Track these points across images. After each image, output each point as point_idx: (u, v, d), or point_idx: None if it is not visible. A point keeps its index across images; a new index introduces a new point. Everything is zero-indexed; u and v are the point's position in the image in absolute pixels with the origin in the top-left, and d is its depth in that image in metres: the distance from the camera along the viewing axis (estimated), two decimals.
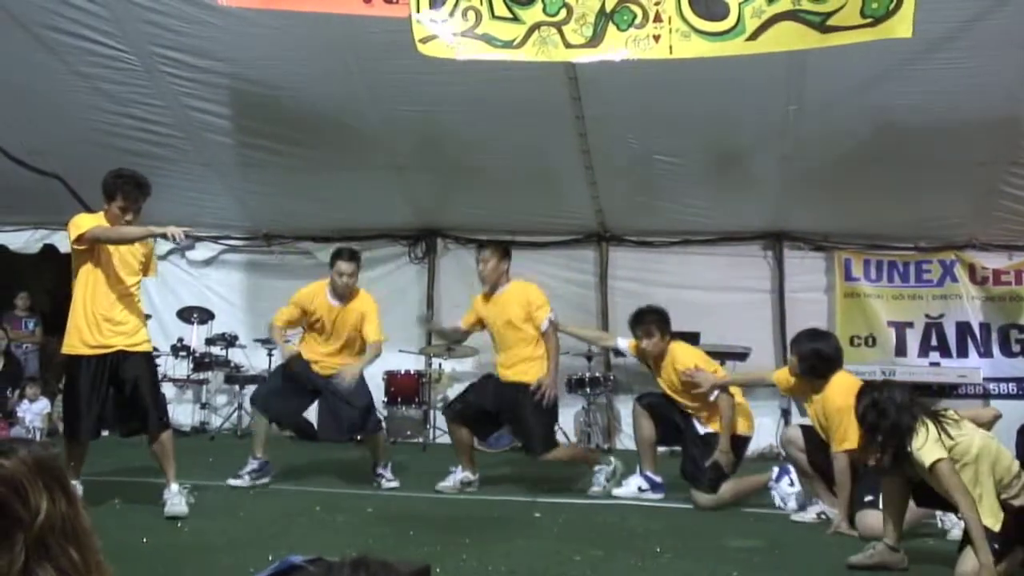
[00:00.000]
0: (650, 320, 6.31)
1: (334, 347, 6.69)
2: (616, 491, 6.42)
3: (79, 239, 5.36)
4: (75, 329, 5.38)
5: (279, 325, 6.82)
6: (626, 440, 9.34)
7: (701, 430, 6.16)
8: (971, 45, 6.47)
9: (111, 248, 5.41)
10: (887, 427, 4.16)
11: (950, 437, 4.03)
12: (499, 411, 6.59)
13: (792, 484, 5.96)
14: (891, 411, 4.17)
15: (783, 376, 5.84)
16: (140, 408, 5.42)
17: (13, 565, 1.32)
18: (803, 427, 5.86)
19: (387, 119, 8.01)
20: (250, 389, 9.85)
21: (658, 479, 6.41)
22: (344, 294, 6.63)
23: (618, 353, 7.80)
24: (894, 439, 4.13)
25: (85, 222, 5.42)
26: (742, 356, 8.70)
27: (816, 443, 5.61)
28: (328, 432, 8.98)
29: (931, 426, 4.06)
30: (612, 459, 6.74)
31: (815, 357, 5.59)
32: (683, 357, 6.21)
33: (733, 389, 6.17)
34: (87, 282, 5.40)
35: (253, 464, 6.36)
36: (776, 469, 6.11)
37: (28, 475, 1.38)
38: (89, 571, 1.38)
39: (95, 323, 5.36)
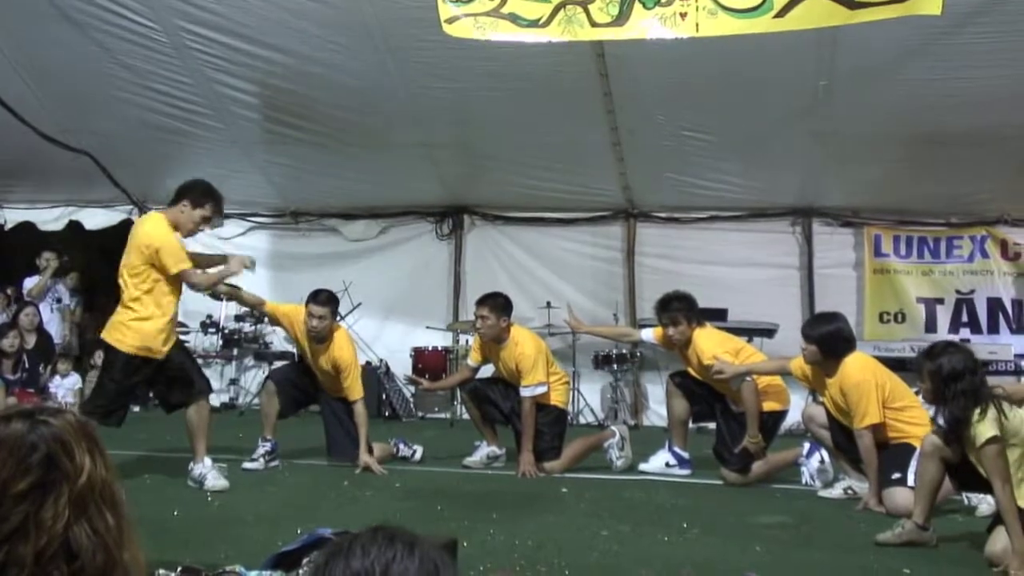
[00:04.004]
0: (676, 308, 6.23)
1: (320, 377, 6.50)
2: (643, 466, 6.42)
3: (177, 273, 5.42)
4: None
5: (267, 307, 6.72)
6: (653, 417, 9.35)
7: (734, 408, 6.14)
8: (1002, 20, 6.35)
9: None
10: (970, 384, 4.07)
11: (1005, 417, 3.97)
12: (510, 415, 6.57)
13: (822, 461, 5.93)
14: (980, 374, 4.14)
15: (798, 364, 5.77)
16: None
17: (58, 520, 1.35)
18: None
19: (415, 96, 7.99)
20: (278, 366, 9.96)
21: (686, 455, 6.40)
22: (316, 336, 6.33)
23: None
24: (969, 401, 4.05)
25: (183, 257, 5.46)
26: (770, 332, 8.66)
27: (836, 424, 5.58)
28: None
29: (992, 404, 4.01)
30: (613, 428, 6.74)
31: (835, 338, 5.52)
32: (706, 347, 6.12)
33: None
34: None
35: (266, 446, 6.25)
36: (807, 445, 6.07)
37: (74, 435, 1.42)
38: (122, 537, 1.41)
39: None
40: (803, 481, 5.98)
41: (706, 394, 6.29)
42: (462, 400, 6.82)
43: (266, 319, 8.40)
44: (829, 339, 5.51)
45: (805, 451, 6.06)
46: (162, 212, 5.67)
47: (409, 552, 1.11)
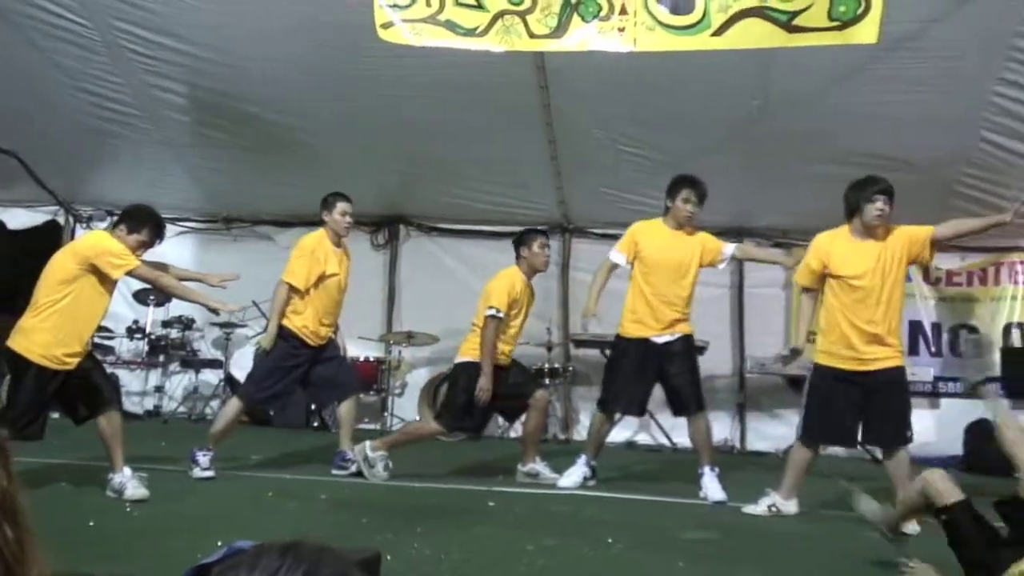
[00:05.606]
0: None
1: (341, 301, 6.69)
2: (562, 482, 6.39)
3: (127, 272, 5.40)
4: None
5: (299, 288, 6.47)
6: (584, 431, 9.37)
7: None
8: (933, 45, 6.50)
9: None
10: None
11: None
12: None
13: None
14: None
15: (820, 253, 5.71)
16: None
17: None
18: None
19: (352, 104, 7.93)
20: (205, 373, 9.81)
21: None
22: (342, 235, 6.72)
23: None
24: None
25: (130, 257, 5.38)
26: (700, 350, 8.73)
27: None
28: (284, 417, 8.94)
29: None
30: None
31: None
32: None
33: None
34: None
35: (211, 453, 6.13)
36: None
37: None
38: (23, 551, 1.36)
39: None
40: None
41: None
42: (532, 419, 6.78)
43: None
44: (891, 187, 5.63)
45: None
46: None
47: (295, 565, 1.10)
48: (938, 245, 5.79)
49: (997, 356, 9.10)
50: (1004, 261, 9.26)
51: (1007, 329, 9.19)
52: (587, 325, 6.78)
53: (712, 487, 6.07)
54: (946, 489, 3.56)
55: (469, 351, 6.62)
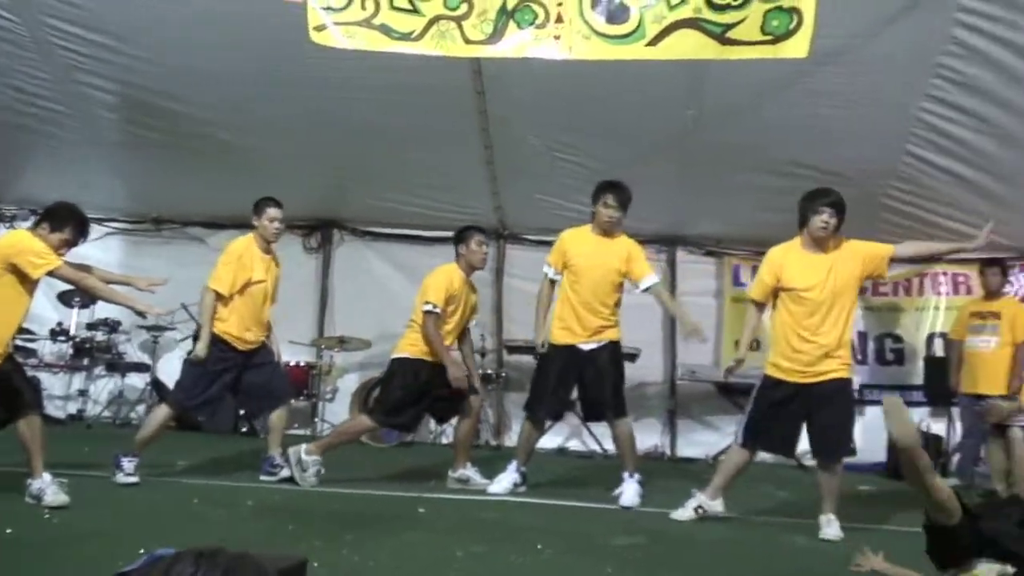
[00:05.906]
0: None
1: (267, 309, 6.57)
2: (492, 488, 6.41)
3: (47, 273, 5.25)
4: None
5: (224, 295, 6.38)
6: (515, 437, 9.37)
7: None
8: (861, 60, 6.61)
9: None
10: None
11: None
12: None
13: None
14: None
15: (774, 270, 5.74)
16: None
17: None
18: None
19: (285, 105, 7.83)
20: (131, 377, 9.60)
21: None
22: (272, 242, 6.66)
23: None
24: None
25: (51, 257, 5.25)
26: (632, 357, 8.81)
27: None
28: (212, 422, 8.79)
29: None
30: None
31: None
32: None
33: None
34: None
35: (138, 457, 6.01)
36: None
37: None
38: None
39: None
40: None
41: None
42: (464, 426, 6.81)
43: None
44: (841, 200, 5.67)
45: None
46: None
47: (210, 572, 1.08)
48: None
49: (920, 364, 9.36)
50: (928, 272, 9.50)
51: (930, 339, 9.44)
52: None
53: (628, 492, 6.13)
54: (953, 509, 3.57)
55: (406, 347, 6.59)
